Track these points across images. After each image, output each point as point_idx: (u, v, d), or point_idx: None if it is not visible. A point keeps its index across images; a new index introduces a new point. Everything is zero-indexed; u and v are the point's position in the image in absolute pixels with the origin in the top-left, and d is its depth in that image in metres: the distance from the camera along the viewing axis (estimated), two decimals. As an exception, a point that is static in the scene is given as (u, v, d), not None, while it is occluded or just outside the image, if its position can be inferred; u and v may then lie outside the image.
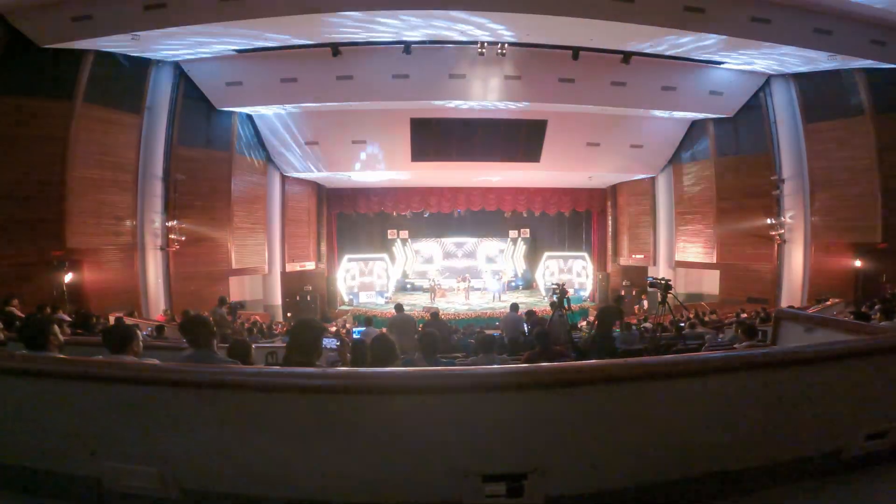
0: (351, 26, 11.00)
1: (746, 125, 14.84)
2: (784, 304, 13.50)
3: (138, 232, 12.72)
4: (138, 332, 3.03)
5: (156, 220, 12.99)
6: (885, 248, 12.32)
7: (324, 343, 3.07)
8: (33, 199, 10.66)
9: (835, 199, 13.34)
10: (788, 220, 14.10)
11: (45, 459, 2.01)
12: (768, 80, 13.95)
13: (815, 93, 13.33)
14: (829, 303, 11.44)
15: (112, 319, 8.82)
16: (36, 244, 10.68)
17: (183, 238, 13.29)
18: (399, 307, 8.38)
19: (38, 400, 1.96)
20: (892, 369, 2.14)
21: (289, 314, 16.44)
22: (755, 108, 14.46)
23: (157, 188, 13.00)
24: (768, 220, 14.39)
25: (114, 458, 1.92)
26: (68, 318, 8.59)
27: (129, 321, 8.26)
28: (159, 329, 9.11)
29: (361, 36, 11.74)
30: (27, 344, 2.67)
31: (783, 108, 13.94)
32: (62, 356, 2.63)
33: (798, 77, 13.48)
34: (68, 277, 10.83)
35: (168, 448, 1.88)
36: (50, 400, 1.95)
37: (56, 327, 2.79)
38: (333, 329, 12.03)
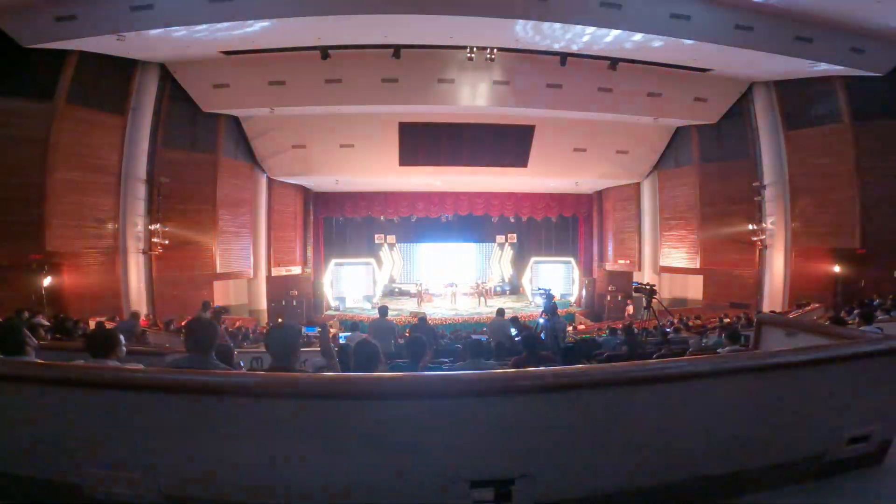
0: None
1: (729, 132, 15.09)
2: (766, 308, 13.70)
3: (120, 235, 12.50)
4: (120, 336, 2.97)
5: (138, 223, 12.78)
6: (864, 254, 12.57)
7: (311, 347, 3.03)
8: (12, 200, 10.46)
9: (815, 206, 13.60)
10: (770, 226, 14.33)
11: (24, 465, 1.96)
12: (751, 87, 14.22)
13: (796, 100, 13.60)
14: (809, 308, 11.63)
15: (93, 324, 8.66)
16: (15, 247, 10.45)
17: (166, 242, 13.10)
18: (383, 310, 8.27)
19: (16, 405, 1.91)
20: (872, 373, 2.17)
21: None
22: (738, 114, 14.71)
23: (141, 191, 12.81)
24: (750, 226, 14.61)
25: (94, 463, 1.87)
26: (47, 323, 8.43)
27: (109, 326, 8.13)
28: (141, 334, 8.95)
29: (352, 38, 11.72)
30: (1, 348, 2.60)
31: (764, 115, 14.20)
32: (40, 360, 2.58)
33: (779, 84, 13.75)
34: (47, 281, 10.62)
35: (151, 453, 1.84)
36: (28, 405, 1.90)
37: (26, 331, 2.71)
38: (319, 330, 11.91)
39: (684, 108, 14.63)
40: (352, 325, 10.10)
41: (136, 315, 9.86)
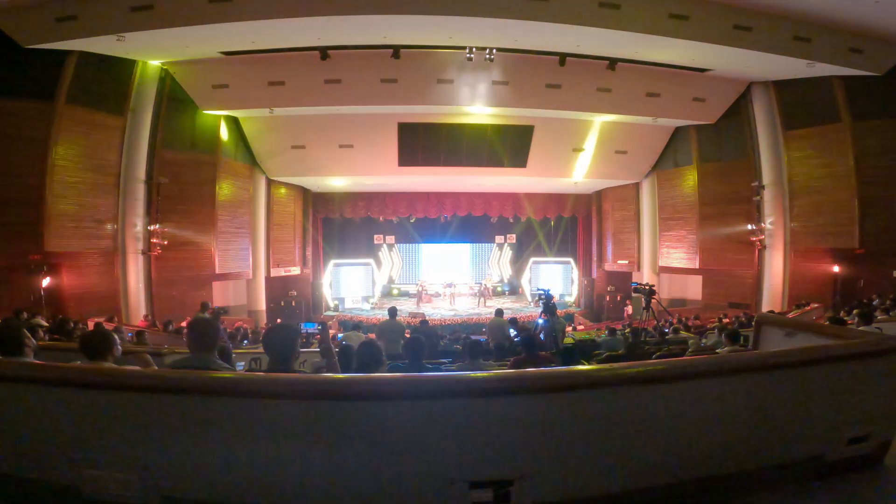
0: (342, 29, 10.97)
1: (728, 132, 15.10)
2: (765, 308, 13.71)
3: (119, 236, 12.49)
4: (117, 337, 2.95)
5: (138, 223, 12.77)
6: (863, 254, 12.58)
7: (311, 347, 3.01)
8: (12, 201, 10.45)
9: (813, 206, 13.61)
10: (768, 226, 14.34)
11: (23, 466, 1.96)
12: (749, 86, 14.23)
13: (794, 100, 13.61)
14: (808, 308, 11.64)
15: (91, 325, 8.65)
16: (13, 247, 10.45)
17: (165, 242, 13.08)
18: (392, 311, 8.25)
19: (15, 406, 1.91)
20: (871, 374, 2.17)
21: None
22: (736, 114, 14.72)
23: (140, 191, 12.80)
24: (749, 226, 14.62)
25: (93, 465, 1.87)
26: (45, 324, 8.42)
27: (108, 326, 8.12)
28: (139, 334, 8.96)
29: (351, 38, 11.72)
30: (0, 349, 2.59)
31: (763, 114, 14.22)
32: (38, 361, 2.57)
33: (777, 84, 13.76)
34: (46, 282, 10.60)
35: (149, 455, 1.84)
36: (27, 406, 1.90)
37: (26, 331, 2.70)
38: (318, 327, 11.88)
39: (683, 109, 14.64)
40: (353, 325, 10.07)
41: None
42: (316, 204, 19.06)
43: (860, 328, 5.43)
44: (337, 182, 17.56)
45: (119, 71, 12.02)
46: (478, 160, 16.16)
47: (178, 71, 12.88)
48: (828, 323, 6.07)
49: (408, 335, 7.71)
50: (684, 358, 4.19)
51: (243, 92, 13.38)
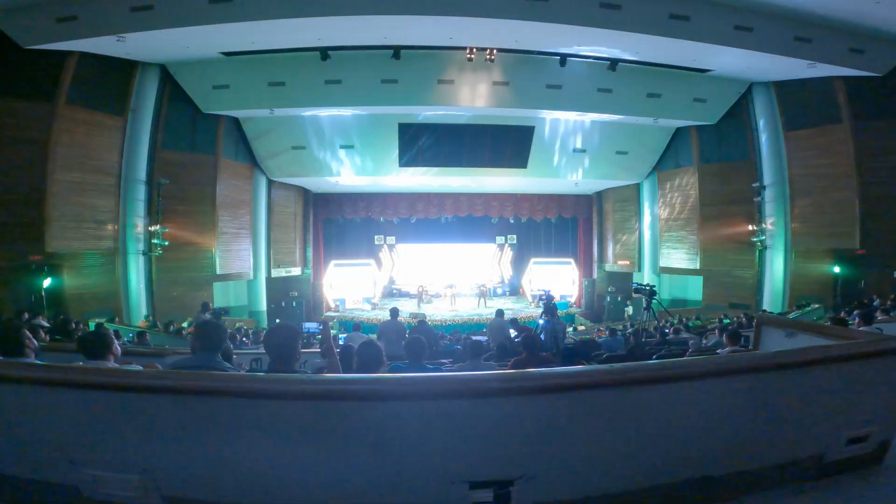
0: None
1: (729, 132, 15.08)
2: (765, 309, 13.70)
3: (120, 236, 12.51)
4: (114, 337, 2.96)
5: (138, 224, 12.80)
6: (864, 255, 12.57)
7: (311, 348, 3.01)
8: (12, 202, 10.46)
9: (814, 206, 13.59)
10: (769, 227, 14.33)
11: (22, 467, 1.96)
12: (750, 87, 14.22)
13: (795, 101, 13.60)
14: (809, 308, 11.63)
15: (92, 325, 8.65)
16: (14, 248, 10.46)
17: (166, 243, 13.11)
18: (394, 312, 8.24)
19: (15, 406, 1.91)
20: (871, 374, 2.17)
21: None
22: (737, 115, 14.70)
23: (141, 192, 12.83)
24: (750, 227, 14.61)
25: (93, 465, 1.87)
26: (47, 324, 8.43)
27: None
28: (140, 335, 8.97)
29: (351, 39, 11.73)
30: (1, 350, 2.60)
31: (764, 115, 14.20)
32: (39, 362, 2.58)
33: (778, 85, 13.75)
34: (47, 282, 10.61)
35: (149, 455, 1.84)
36: (27, 406, 1.90)
37: (27, 331, 2.71)
38: (318, 324, 11.89)
39: (684, 109, 14.62)
40: (354, 325, 10.06)
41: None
42: (316, 204, 19.08)
43: (860, 328, 5.43)
44: (337, 183, 17.56)
45: (119, 71, 12.02)
46: (478, 161, 16.18)
47: (178, 71, 12.88)
48: (828, 323, 6.07)
49: (408, 335, 7.70)
50: (684, 359, 4.18)
51: (243, 92, 13.38)
